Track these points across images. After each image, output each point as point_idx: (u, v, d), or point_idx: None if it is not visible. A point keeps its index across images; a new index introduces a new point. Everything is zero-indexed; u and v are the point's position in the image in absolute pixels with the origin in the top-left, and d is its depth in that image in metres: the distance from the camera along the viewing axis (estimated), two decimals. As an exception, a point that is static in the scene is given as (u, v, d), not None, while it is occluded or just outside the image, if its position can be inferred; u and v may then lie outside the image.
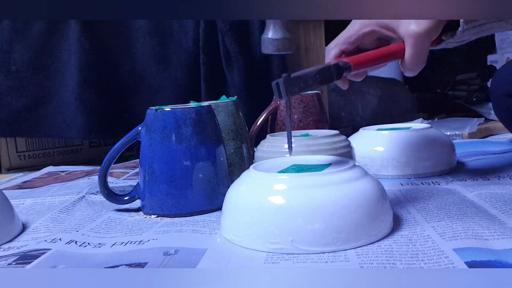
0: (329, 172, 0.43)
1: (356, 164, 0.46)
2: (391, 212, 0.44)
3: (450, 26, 0.50)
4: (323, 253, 0.39)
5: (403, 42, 0.49)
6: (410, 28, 0.48)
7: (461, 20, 0.49)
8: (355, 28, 0.52)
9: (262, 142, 0.68)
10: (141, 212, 0.55)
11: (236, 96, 0.71)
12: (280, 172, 0.45)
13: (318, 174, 0.43)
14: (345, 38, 0.52)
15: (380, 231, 0.41)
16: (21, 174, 0.91)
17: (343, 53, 0.53)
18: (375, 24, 0.51)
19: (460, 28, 0.49)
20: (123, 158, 0.92)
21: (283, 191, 0.41)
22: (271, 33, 0.43)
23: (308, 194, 0.40)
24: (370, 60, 0.50)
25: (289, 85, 0.44)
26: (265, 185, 0.42)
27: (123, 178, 0.77)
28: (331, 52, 0.53)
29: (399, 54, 0.50)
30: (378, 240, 0.41)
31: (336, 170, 0.43)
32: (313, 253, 0.39)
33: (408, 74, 0.51)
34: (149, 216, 0.53)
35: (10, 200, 0.51)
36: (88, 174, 0.82)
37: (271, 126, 0.81)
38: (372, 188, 0.42)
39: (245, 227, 0.41)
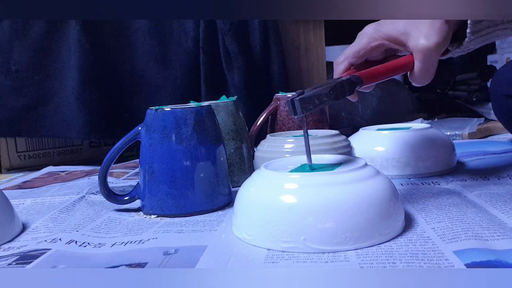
0: (340, 171, 0.43)
1: (368, 163, 0.46)
2: (403, 211, 0.44)
3: (457, 37, 0.50)
4: (335, 252, 0.39)
5: (412, 54, 0.49)
6: (419, 42, 0.48)
7: (467, 31, 0.49)
8: (364, 42, 0.52)
9: (262, 142, 0.68)
10: (141, 212, 0.55)
11: (236, 96, 0.71)
12: (291, 171, 0.46)
13: (329, 173, 0.43)
14: (354, 52, 0.53)
15: (392, 230, 0.41)
16: (21, 174, 0.91)
17: (351, 65, 0.53)
18: (383, 38, 0.51)
19: (466, 39, 0.49)
20: (123, 158, 0.92)
21: (294, 190, 0.41)
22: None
23: (319, 193, 0.40)
24: (380, 74, 0.51)
25: (304, 102, 0.45)
26: (276, 184, 0.42)
27: (123, 178, 0.77)
28: (340, 66, 0.53)
29: (408, 67, 0.50)
30: (388, 240, 0.41)
31: (348, 169, 0.43)
32: (326, 252, 0.39)
33: (417, 85, 0.51)
34: (149, 216, 0.53)
35: (10, 200, 0.51)
36: (88, 174, 0.82)
37: (271, 126, 0.81)
38: (384, 187, 0.42)
39: (258, 226, 0.41)
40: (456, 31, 0.51)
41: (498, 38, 0.52)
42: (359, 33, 0.53)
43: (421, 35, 0.48)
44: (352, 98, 0.54)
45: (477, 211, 0.46)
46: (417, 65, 0.49)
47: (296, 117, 0.46)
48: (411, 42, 0.49)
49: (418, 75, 0.50)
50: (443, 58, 0.53)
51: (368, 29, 0.52)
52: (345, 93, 0.48)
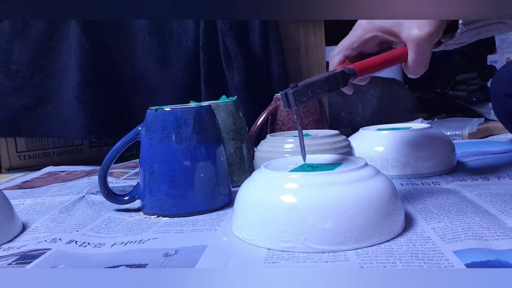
0: (340, 171, 0.43)
1: (368, 163, 0.46)
2: (403, 211, 0.44)
3: (449, 29, 0.51)
4: (335, 252, 0.39)
5: (405, 46, 0.49)
6: (412, 32, 0.48)
7: (459, 22, 0.49)
8: (357, 34, 0.52)
9: (262, 142, 0.68)
10: (141, 212, 0.55)
11: (236, 96, 0.71)
12: (291, 171, 0.46)
13: (329, 173, 0.43)
14: (348, 44, 0.53)
15: (392, 230, 0.41)
16: (21, 174, 0.91)
17: (346, 58, 0.53)
18: (377, 30, 0.51)
19: (458, 30, 0.49)
20: (123, 158, 0.92)
21: (294, 190, 0.41)
22: None
23: (319, 192, 0.40)
24: (374, 66, 0.51)
25: (297, 94, 0.45)
26: (277, 184, 0.42)
27: (123, 178, 0.77)
28: (335, 58, 0.53)
29: (402, 58, 0.50)
30: (388, 240, 0.41)
31: (348, 169, 0.43)
32: (326, 252, 0.39)
33: (412, 76, 0.51)
34: (149, 216, 0.53)
35: (10, 200, 0.51)
36: (88, 174, 0.82)
37: (271, 126, 0.81)
38: (384, 187, 0.42)
39: (258, 226, 0.41)
40: (449, 23, 0.51)
41: (493, 33, 0.52)
42: (354, 26, 0.53)
43: (413, 25, 0.48)
44: (347, 90, 0.54)
45: (477, 211, 0.46)
46: (410, 55, 0.49)
47: (288, 110, 0.45)
48: (403, 32, 0.49)
49: (412, 65, 0.50)
50: (437, 50, 0.53)
51: (362, 21, 0.52)
52: (338, 85, 0.48)
